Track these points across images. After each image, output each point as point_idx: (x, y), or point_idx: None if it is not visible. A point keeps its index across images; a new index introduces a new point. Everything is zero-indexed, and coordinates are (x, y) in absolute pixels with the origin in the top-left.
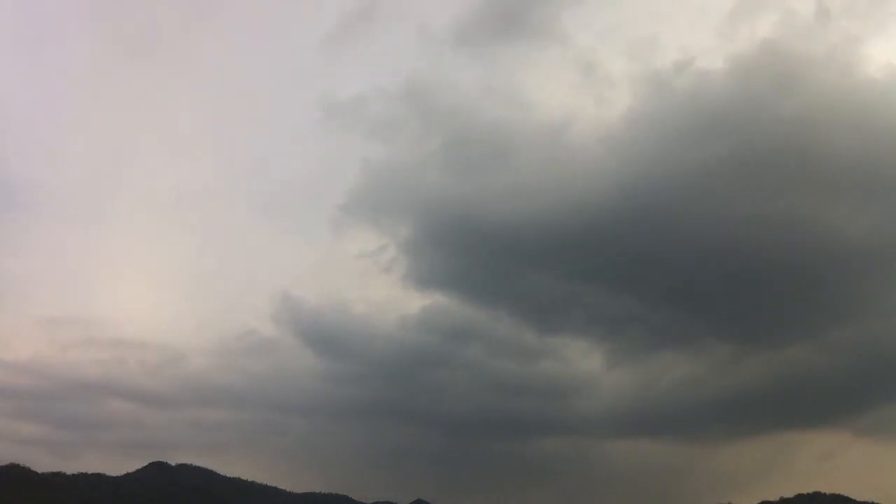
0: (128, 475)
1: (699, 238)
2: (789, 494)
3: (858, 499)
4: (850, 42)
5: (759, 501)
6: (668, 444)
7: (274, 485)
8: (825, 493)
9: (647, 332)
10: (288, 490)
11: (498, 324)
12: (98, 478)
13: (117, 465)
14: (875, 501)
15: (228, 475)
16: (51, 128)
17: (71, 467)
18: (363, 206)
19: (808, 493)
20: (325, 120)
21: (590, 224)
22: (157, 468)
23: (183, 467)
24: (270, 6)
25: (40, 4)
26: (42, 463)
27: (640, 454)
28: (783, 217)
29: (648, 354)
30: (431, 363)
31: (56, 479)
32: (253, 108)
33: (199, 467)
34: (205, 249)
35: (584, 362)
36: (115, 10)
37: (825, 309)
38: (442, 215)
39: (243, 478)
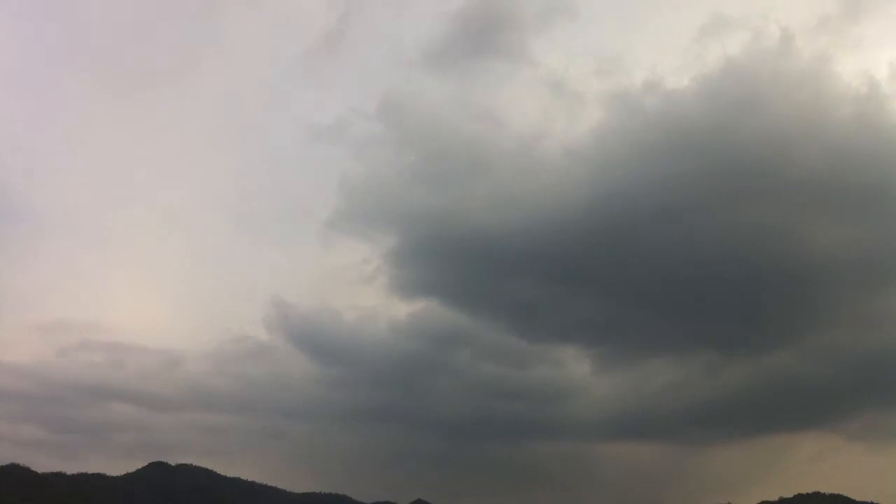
0: (128, 475)
1: (673, 249)
2: (788, 495)
3: (858, 499)
4: (818, 61)
5: (759, 502)
6: (662, 446)
7: (274, 485)
8: (824, 493)
9: (631, 339)
10: (288, 490)
11: (483, 330)
12: (98, 478)
13: (117, 467)
14: (874, 502)
15: (228, 475)
16: (51, 151)
17: (71, 468)
18: (348, 220)
19: (807, 493)
20: (309, 139)
21: (564, 234)
22: (157, 468)
23: (183, 467)
24: (250, 36)
25: (44, 42)
26: (42, 464)
27: (633, 457)
28: (757, 231)
29: (635, 360)
30: (415, 366)
31: (56, 479)
32: (240, 130)
33: (199, 467)
34: (199, 261)
35: (573, 367)
36: (110, 44)
37: (802, 318)
38: (424, 227)
39: (243, 478)
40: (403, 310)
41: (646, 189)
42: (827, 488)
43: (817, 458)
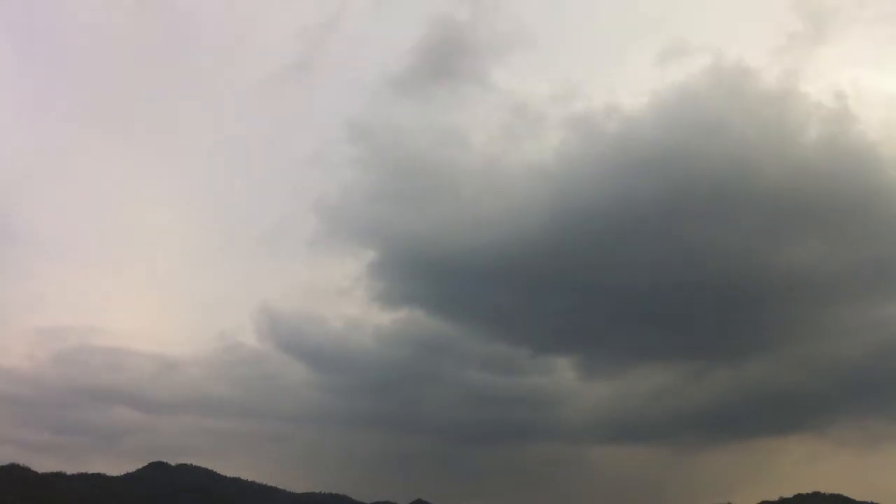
0: (128, 475)
1: (642, 264)
2: (777, 496)
3: (858, 499)
4: (783, 82)
5: (759, 502)
6: (651, 450)
7: (274, 485)
8: (824, 493)
9: (610, 349)
10: (288, 490)
11: (464, 338)
12: (98, 478)
13: (117, 468)
14: (874, 502)
15: (228, 475)
16: (50, 179)
17: (71, 469)
18: (329, 238)
19: (807, 493)
20: (289, 164)
21: (533, 249)
22: (157, 468)
23: (183, 467)
24: (227, 66)
25: (42, 86)
26: (42, 466)
27: (625, 460)
28: (724, 248)
29: (617, 369)
30: (397, 371)
31: (56, 479)
32: (225, 156)
33: (199, 467)
34: (192, 277)
35: (560, 375)
36: (101, 80)
37: (769, 331)
38: (400, 243)
39: (243, 478)
40: (387, 318)
41: (612, 207)
42: (813, 489)
43: (802, 461)
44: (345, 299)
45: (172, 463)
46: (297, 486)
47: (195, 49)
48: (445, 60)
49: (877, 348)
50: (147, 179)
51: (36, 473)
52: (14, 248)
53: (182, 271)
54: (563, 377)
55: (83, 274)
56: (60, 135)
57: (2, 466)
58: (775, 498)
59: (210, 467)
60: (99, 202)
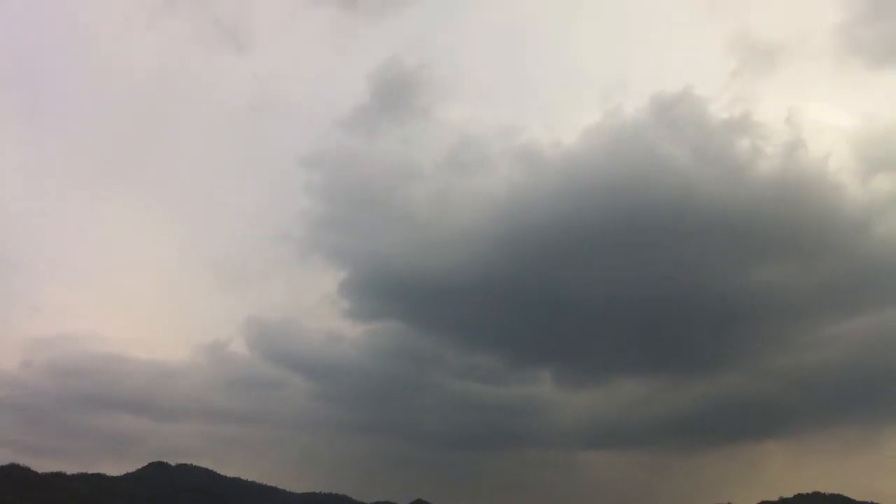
0: (128, 475)
1: (595, 285)
2: (772, 497)
3: (858, 499)
4: (732, 112)
5: (759, 502)
6: (637, 455)
7: (274, 485)
8: (824, 493)
9: (587, 363)
10: (288, 490)
11: (437, 349)
12: (98, 478)
13: (116, 469)
14: (875, 502)
15: (228, 475)
16: (53, 215)
17: (71, 470)
18: (306, 260)
19: (807, 494)
20: (255, 191)
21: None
22: (157, 468)
23: (183, 467)
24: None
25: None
26: (41, 467)
27: (609, 464)
28: (684, 268)
29: (594, 381)
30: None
31: (56, 479)
32: (208, 187)
33: (199, 467)
34: (186, 293)
35: (542, 386)
36: (95, 123)
37: (739, 346)
38: (368, 264)
39: (243, 478)
40: (363, 330)
41: (562, 231)
42: (810, 489)
43: (790, 465)
44: (324, 314)
45: (172, 463)
46: (297, 486)
47: (177, 93)
48: (396, 99)
49: (840, 360)
50: (139, 214)
51: (36, 473)
52: (15, 265)
53: (173, 289)
54: (544, 388)
55: (81, 290)
56: (58, 170)
57: (2, 466)
58: (775, 498)
59: (210, 467)
60: (95, 230)
